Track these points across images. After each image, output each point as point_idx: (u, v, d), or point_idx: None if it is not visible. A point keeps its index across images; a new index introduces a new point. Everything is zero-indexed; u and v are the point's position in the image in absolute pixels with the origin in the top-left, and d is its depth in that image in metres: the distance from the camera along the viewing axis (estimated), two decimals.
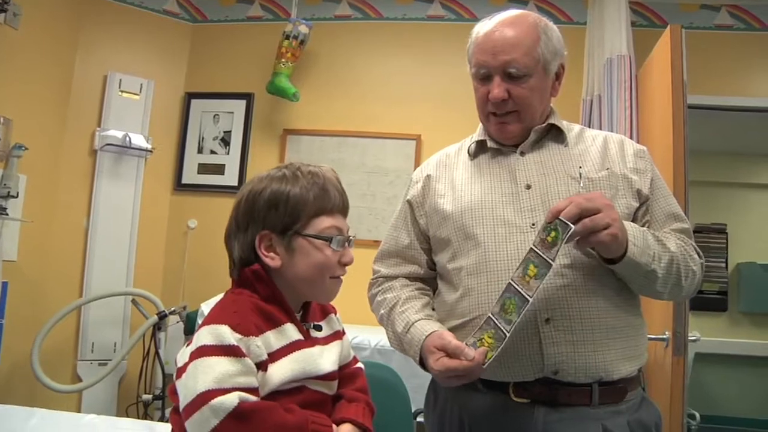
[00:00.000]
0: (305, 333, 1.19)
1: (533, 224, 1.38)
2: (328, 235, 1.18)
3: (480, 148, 1.56)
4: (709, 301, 5.37)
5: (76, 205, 3.63)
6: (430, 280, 1.60)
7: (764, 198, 5.60)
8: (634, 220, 1.42)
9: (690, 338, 2.61)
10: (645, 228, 1.37)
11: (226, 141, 3.94)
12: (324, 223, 1.18)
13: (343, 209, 1.24)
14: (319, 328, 1.24)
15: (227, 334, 1.04)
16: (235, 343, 1.04)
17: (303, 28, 3.66)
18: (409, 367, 2.86)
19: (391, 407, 2.04)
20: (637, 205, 1.43)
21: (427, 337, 1.36)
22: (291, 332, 1.15)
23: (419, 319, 1.43)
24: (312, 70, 3.90)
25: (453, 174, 1.56)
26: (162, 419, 3.21)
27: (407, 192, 1.65)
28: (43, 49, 3.35)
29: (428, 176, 1.60)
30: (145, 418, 3.31)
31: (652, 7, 3.70)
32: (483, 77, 1.47)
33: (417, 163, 3.71)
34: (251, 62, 3.95)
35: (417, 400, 2.31)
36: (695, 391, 5.03)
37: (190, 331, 3.31)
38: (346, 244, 1.22)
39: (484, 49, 1.45)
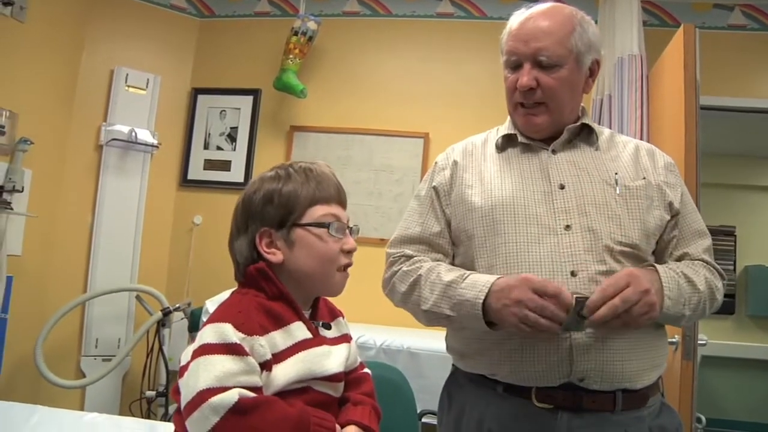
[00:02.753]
0: (314, 331, 1.18)
1: (567, 226, 1.35)
2: (325, 222, 1.18)
3: (508, 141, 1.52)
4: None
5: (82, 200, 3.62)
6: None
7: None
8: (662, 233, 1.41)
9: (699, 341, 2.59)
10: (677, 268, 1.36)
11: (232, 137, 3.92)
12: (320, 211, 1.18)
13: (339, 200, 1.23)
14: (328, 327, 1.23)
15: (230, 333, 1.03)
16: (238, 342, 1.03)
17: (311, 25, 3.63)
18: (414, 367, 2.87)
19: (396, 408, 2.02)
20: (669, 218, 1.41)
21: (499, 278, 1.29)
22: (298, 332, 1.14)
23: (475, 272, 1.37)
24: (320, 66, 3.88)
25: (481, 165, 1.51)
26: (165, 416, 3.20)
27: (432, 177, 1.56)
28: (49, 43, 3.34)
29: (455, 163, 1.54)
30: (149, 415, 3.30)
31: (664, 7, 3.66)
32: (513, 65, 1.45)
33: (425, 161, 3.69)
34: (258, 58, 3.93)
35: (422, 401, 2.29)
36: (701, 395, 4.97)
37: (194, 328, 3.30)
38: (347, 231, 1.22)
39: (516, 37, 1.44)
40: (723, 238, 5.52)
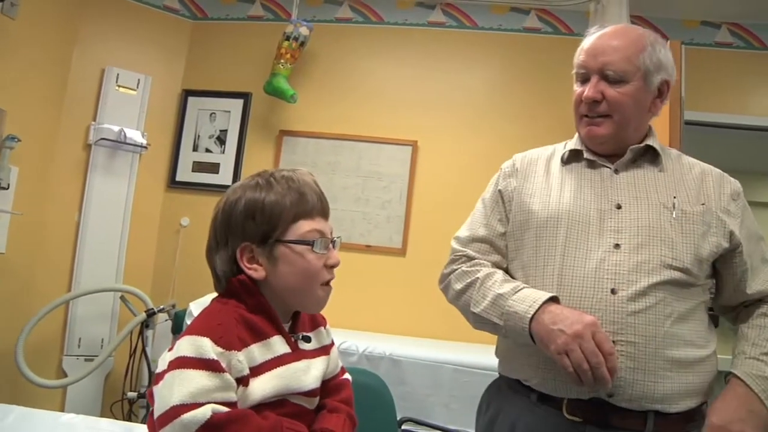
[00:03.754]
0: (293, 345, 1.16)
1: (617, 245, 1.35)
2: (310, 239, 1.15)
3: (574, 156, 1.53)
4: (726, 321, 5.33)
5: (68, 199, 3.61)
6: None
7: (759, 216, 5.59)
8: (726, 264, 1.43)
9: None
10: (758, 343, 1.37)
11: (221, 140, 3.92)
12: (304, 227, 1.15)
13: (322, 211, 1.20)
14: (308, 340, 1.21)
15: (208, 348, 1.01)
16: (215, 358, 1.01)
17: (303, 30, 3.64)
18: (396, 374, 2.87)
19: (377, 414, 2.02)
20: (727, 245, 1.40)
21: (553, 297, 1.32)
22: (277, 346, 1.13)
23: (530, 287, 1.39)
24: (311, 71, 3.89)
25: (543, 176, 1.54)
26: (146, 418, 3.18)
27: (497, 182, 1.60)
28: (40, 40, 3.33)
29: (519, 170, 1.57)
30: (130, 416, 3.29)
31: (654, 22, 3.70)
32: (582, 79, 1.48)
33: (413, 169, 3.71)
34: (250, 62, 3.94)
35: (403, 408, 2.30)
36: None
37: (178, 329, 3.29)
38: (331, 246, 1.19)
39: (587, 52, 1.46)
40: None
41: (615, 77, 1.41)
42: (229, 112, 3.94)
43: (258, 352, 1.08)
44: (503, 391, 1.47)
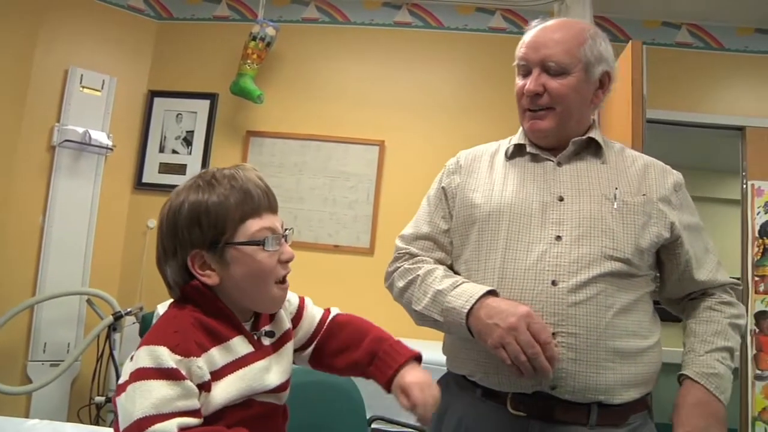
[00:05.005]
0: (255, 343, 1.15)
1: (558, 237, 1.37)
2: (259, 238, 1.11)
3: (518, 151, 1.54)
4: (664, 312, 5.43)
5: (32, 201, 3.54)
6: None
7: (719, 212, 5.72)
8: (668, 254, 1.45)
9: None
10: (717, 355, 1.39)
11: (188, 141, 3.89)
12: (252, 226, 1.10)
13: (270, 207, 1.15)
14: (271, 335, 1.19)
15: (165, 357, 0.99)
16: (174, 366, 0.99)
17: (270, 30, 3.63)
18: None
19: (346, 413, 2.03)
20: (668, 236, 1.41)
21: (488, 292, 1.32)
22: (238, 347, 1.11)
23: (469, 282, 1.40)
24: (277, 72, 3.88)
25: (487, 171, 1.55)
26: (114, 423, 3.15)
27: (441, 179, 1.61)
28: (0, 40, 3.27)
29: (463, 167, 1.58)
30: (97, 421, 3.25)
31: (616, 22, 3.77)
32: (523, 72, 1.48)
33: (380, 169, 3.72)
34: (216, 62, 3.92)
35: (372, 407, 2.30)
36: (655, 400, 5.10)
37: (145, 332, 3.25)
38: (283, 240, 1.15)
39: (527, 45, 1.48)
40: None
41: (556, 69, 1.42)
42: (196, 112, 3.91)
43: (218, 356, 1.07)
44: (450, 386, 1.47)
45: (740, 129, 3.61)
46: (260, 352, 1.14)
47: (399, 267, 1.54)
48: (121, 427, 0.99)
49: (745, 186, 3.54)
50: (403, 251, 1.56)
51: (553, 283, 1.32)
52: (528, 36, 1.50)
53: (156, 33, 4.03)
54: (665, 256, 1.45)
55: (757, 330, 3.37)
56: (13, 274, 3.46)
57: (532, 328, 1.23)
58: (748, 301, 3.41)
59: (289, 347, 1.23)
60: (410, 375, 1.19)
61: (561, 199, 1.41)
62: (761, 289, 3.42)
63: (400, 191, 3.69)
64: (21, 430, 1.93)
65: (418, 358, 1.24)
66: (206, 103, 3.90)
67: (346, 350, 1.28)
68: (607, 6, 3.64)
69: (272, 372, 1.15)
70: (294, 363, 1.28)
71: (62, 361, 3.30)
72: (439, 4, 3.86)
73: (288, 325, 1.26)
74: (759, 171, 3.52)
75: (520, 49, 1.50)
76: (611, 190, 1.41)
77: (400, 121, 3.77)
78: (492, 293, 1.33)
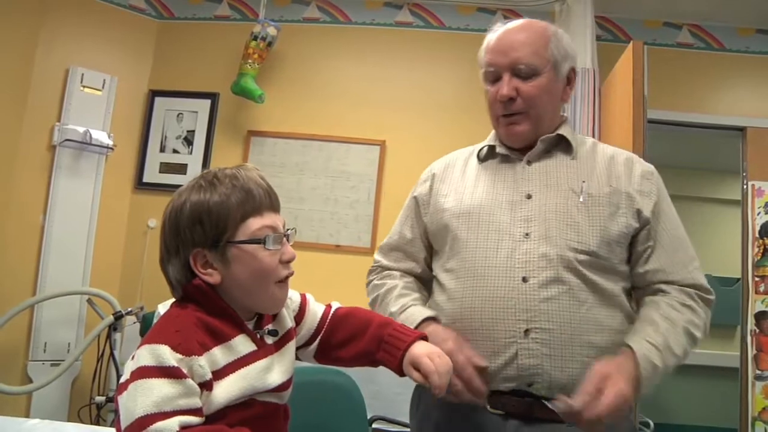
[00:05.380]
0: (258, 342, 1.15)
1: (527, 234, 1.38)
2: (260, 236, 1.11)
3: (490, 153, 1.56)
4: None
5: (33, 201, 3.54)
6: (427, 280, 1.58)
7: (720, 213, 5.73)
8: (634, 243, 1.42)
9: None
10: (657, 338, 1.31)
11: (189, 140, 3.89)
12: (253, 225, 1.11)
13: (271, 206, 1.15)
14: (274, 333, 1.19)
15: (167, 355, 0.99)
16: (175, 364, 0.99)
17: (271, 30, 3.63)
18: (366, 373, 2.87)
19: (346, 413, 2.03)
20: (637, 225, 1.40)
21: (427, 318, 1.37)
22: (240, 346, 1.11)
23: (417, 304, 1.44)
24: (278, 72, 3.88)
25: (459, 176, 1.56)
26: (114, 423, 3.14)
27: (415, 189, 1.65)
28: (1, 40, 3.27)
29: (435, 175, 1.61)
30: (98, 421, 3.24)
31: (617, 22, 3.77)
32: (493, 78, 1.48)
33: (381, 169, 3.73)
34: (217, 62, 3.91)
35: (373, 407, 2.31)
36: (650, 400, 5.11)
37: (146, 332, 3.25)
38: (285, 240, 1.15)
39: (494, 50, 1.48)
40: None
41: (527, 71, 1.43)
42: (197, 112, 3.91)
43: (220, 355, 1.07)
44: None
45: (741, 129, 3.61)
46: (262, 351, 1.15)
47: (370, 281, 1.62)
48: (123, 425, 0.99)
49: (745, 186, 3.54)
50: (376, 264, 1.64)
51: (524, 279, 1.34)
52: (491, 41, 1.50)
53: (157, 32, 4.03)
54: (633, 246, 1.43)
55: (758, 330, 3.37)
56: (14, 274, 3.45)
57: (465, 353, 1.28)
58: (748, 300, 3.42)
59: (291, 346, 1.24)
60: (418, 348, 1.21)
61: (529, 197, 1.43)
62: (761, 289, 3.42)
63: (401, 191, 3.65)
64: (22, 429, 1.93)
65: (424, 338, 1.25)
66: (207, 102, 3.90)
67: (352, 340, 1.29)
68: (608, 6, 3.64)
69: (274, 371, 1.15)
70: (299, 359, 1.29)
71: (63, 360, 3.30)
72: (441, 4, 3.86)
73: (291, 323, 1.26)
74: (759, 171, 3.52)
75: (486, 56, 1.50)
76: (579, 184, 1.42)
77: (401, 121, 3.77)
78: (431, 319, 1.38)
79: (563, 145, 1.50)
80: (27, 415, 3.33)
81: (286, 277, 1.17)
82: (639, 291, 1.46)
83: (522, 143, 1.49)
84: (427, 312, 1.39)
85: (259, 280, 1.12)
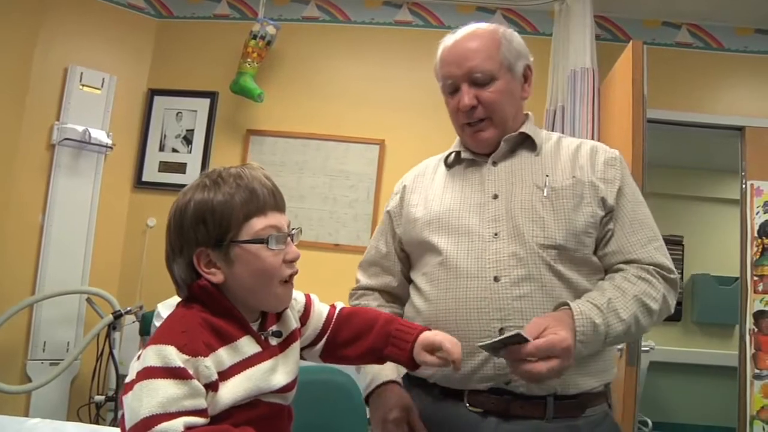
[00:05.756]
0: (263, 343, 1.15)
1: (496, 234, 1.39)
2: (263, 236, 1.11)
3: (456, 158, 1.58)
4: None
5: (32, 200, 3.54)
6: (404, 295, 1.60)
7: (719, 212, 5.75)
8: (600, 229, 1.41)
9: (644, 348, 2.67)
10: (601, 298, 1.29)
11: (188, 139, 3.89)
12: (257, 225, 1.11)
13: (276, 206, 1.15)
14: (279, 335, 1.20)
15: (173, 356, 0.99)
16: (182, 365, 0.99)
17: (270, 29, 3.63)
18: None
19: (347, 413, 2.03)
20: (603, 213, 1.41)
21: (382, 384, 1.43)
22: (246, 347, 1.11)
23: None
24: (278, 70, 3.88)
25: (428, 184, 1.59)
26: (114, 421, 3.15)
27: (388, 203, 1.68)
28: (0, 38, 3.26)
29: (405, 187, 1.64)
30: (97, 420, 3.25)
31: (617, 22, 3.77)
32: (451, 89, 1.50)
33: (380, 168, 3.73)
34: (216, 61, 3.91)
35: None
36: (649, 399, 5.13)
37: (145, 331, 3.26)
38: (289, 240, 1.15)
39: (448, 62, 1.49)
40: (671, 247, 5.62)
41: (484, 78, 1.44)
42: (196, 111, 3.91)
43: (226, 356, 1.07)
44: (412, 386, 1.49)
45: (740, 129, 3.62)
46: (267, 353, 1.15)
47: (351, 304, 1.66)
48: (128, 425, 0.99)
49: (744, 186, 3.55)
50: (357, 284, 1.68)
51: (495, 279, 1.35)
52: (443, 51, 1.52)
53: (156, 31, 4.02)
54: (598, 233, 1.42)
55: (756, 329, 3.38)
56: (13, 273, 3.45)
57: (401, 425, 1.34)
58: (747, 300, 3.42)
59: (295, 347, 1.24)
60: (426, 335, 1.25)
61: (495, 197, 1.45)
62: (760, 288, 3.43)
63: None
64: (23, 429, 1.93)
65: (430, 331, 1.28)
66: (206, 101, 3.89)
67: (358, 338, 1.30)
68: (607, 6, 3.64)
69: (278, 372, 1.15)
70: (305, 359, 1.29)
71: (62, 360, 3.30)
72: (440, 3, 3.86)
73: (295, 324, 1.26)
74: (758, 171, 3.53)
75: (442, 68, 1.51)
76: (543, 179, 1.44)
77: (400, 120, 3.77)
78: (390, 383, 1.43)
79: (528, 143, 1.52)
80: (26, 415, 3.33)
81: (291, 276, 1.16)
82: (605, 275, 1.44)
83: (489, 148, 1.52)
84: (385, 377, 1.44)
85: (262, 279, 1.12)
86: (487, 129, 1.48)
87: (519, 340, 1.14)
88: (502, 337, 1.16)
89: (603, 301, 1.27)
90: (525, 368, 1.16)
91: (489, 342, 1.17)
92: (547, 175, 1.44)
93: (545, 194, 1.41)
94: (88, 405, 3.30)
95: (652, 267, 1.38)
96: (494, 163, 1.50)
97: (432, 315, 1.41)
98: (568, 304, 1.26)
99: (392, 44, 3.88)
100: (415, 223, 1.52)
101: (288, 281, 1.16)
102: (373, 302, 1.60)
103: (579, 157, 1.47)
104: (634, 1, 3.63)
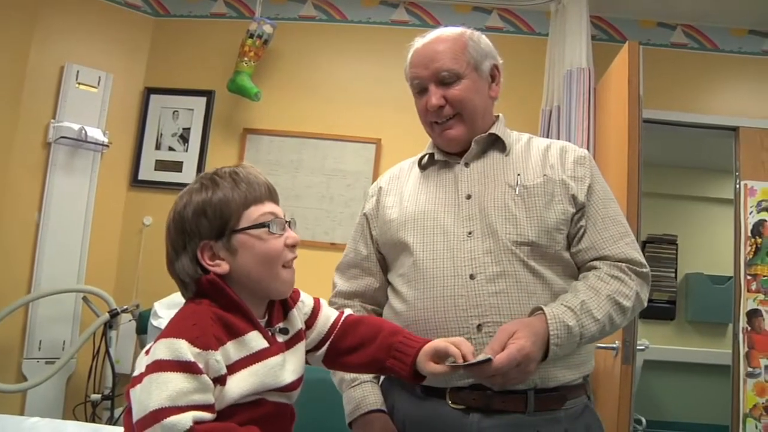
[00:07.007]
0: (270, 339, 1.16)
1: (469, 233, 1.43)
2: (264, 221, 1.14)
3: (430, 160, 1.61)
4: (658, 310, 5.52)
5: (28, 198, 3.53)
6: (385, 297, 1.61)
7: (713, 211, 5.78)
8: (572, 226, 1.45)
9: (639, 347, 2.68)
10: (574, 300, 1.33)
11: (184, 138, 3.89)
12: (256, 212, 1.14)
13: (271, 197, 1.19)
14: (285, 331, 1.21)
15: (185, 349, 1.00)
16: (193, 359, 1.00)
17: (267, 28, 3.63)
18: None
19: (341, 415, 2.04)
20: (574, 211, 1.45)
21: (369, 413, 1.44)
22: (253, 342, 1.12)
23: (369, 381, 1.50)
24: (274, 69, 3.88)
25: (403, 186, 1.62)
26: (111, 420, 3.15)
27: (364, 206, 1.70)
28: None
29: (381, 189, 1.66)
30: (93, 419, 3.24)
31: (612, 23, 3.78)
32: (420, 90, 1.54)
33: (376, 167, 3.73)
34: (213, 59, 3.91)
35: None
36: (642, 397, 5.15)
37: (142, 330, 3.26)
38: (287, 226, 1.18)
39: (416, 64, 1.54)
40: (665, 246, 5.72)
41: (450, 77, 1.49)
42: (192, 110, 3.90)
43: (233, 350, 1.08)
44: (395, 385, 1.51)
45: (734, 129, 3.64)
46: (275, 348, 1.16)
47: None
48: (135, 418, 0.99)
49: (738, 185, 3.57)
50: (335, 290, 1.66)
51: (471, 276, 1.38)
52: (412, 54, 1.57)
53: (153, 30, 4.02)
54: (571, 231, 1.46)
55: (749, 328, 3.40)
56: (8, 271, 3.44)
57: None
58: (741, 298, 3.44)
59: (301, 347, 1.25)
60: (429, 344, 1.24)
61: (469, 197, 1.48)
62: (753, 287, 3.45)
63: None
64: (22, 428, 1.93)
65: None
66: (203, 100, 3.89)
67: (362, 347, 1.30)
68: (603, 6, 3.66)
69: (286, 369, 1.16)
70: (307, 363, 1.29)
71: (58, 358, 3.30)
72: (437, 2, 3.87)
73: (301, 325, 1.27)
74: (752, 171, 3.55)
75: (411, 70, 1.56)
76: (514, 178, 1.48)
77: (396, 119, 3.76)
78: (375, 411, 1.44)
79: (498, 144, 1.56)
80: (22, 413, 3.33)
81: (292, 260, 1.19)
82: (579, 271, 1.48)
83: (459, 147, 1.55)
84: (370, 404, 1.45)
85: (266, 263, 1.15)
86: (455, 126, 1.52)
87: (482, 360, 1.18)
88: (469, 363, 1.18)
89: (576, 303, 1.32)
90: (491, 381, 1.23)
91: (460, 364, 1.19)
92: (518, 174, 1.48)
93: (517, 192, 1.45)
94: (84, 404, 3.30)
95: (624, 264, 1.41)
96: (466, 164, 1.53)
97: (410, 316, 1.43)
98: (542, 309, 1.30)
99: (389, 43, 3.88)
100: (390, 224, 1.55)
101: (290, 266, 1.19)
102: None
103: (549, 156, 1.52)
104: (629, 2, 3.64)
